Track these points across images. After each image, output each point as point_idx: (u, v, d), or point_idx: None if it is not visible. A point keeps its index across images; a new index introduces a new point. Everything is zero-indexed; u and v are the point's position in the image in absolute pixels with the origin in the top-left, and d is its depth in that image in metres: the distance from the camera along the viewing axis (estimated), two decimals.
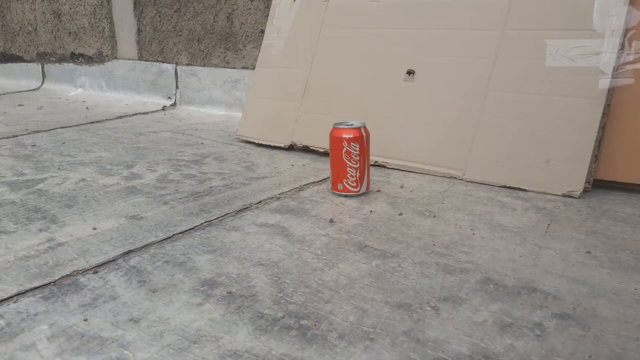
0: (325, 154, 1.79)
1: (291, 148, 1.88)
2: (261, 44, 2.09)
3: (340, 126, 1.35)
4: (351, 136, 1.32)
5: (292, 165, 1.68)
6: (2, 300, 0.85)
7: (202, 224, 1.18)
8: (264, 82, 2.04)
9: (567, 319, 0.79)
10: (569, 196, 1.33)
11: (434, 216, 1.21)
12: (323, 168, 1.63)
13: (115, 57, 3.23)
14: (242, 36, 2.57)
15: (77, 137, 2.10)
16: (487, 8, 1.56)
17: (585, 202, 1.30)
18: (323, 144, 1.79)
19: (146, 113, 2.69)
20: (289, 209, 1.27)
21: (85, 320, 0.79)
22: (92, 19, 3.27)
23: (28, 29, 3.73)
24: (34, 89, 3.63)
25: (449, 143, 1.55)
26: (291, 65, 1.96)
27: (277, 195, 1.37)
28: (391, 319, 0.79)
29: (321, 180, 1.51)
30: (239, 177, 1.54)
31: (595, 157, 1.37)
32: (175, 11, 2.82)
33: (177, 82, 2.90)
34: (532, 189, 1.39)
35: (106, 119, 2.51)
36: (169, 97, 2.94)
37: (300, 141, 1.85)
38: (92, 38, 3.31)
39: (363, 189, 1.36)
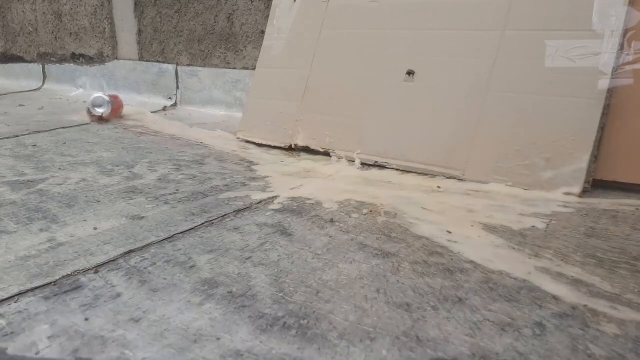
0: (325, 153, 1.79)
1: (291, 148, 1.89)
2: (261, 45, 2.09)
3: None
4: None
5: (292, 165, 1.68)
6: (3, 300, 0.85)
7: (202, 223, 1.18)
8: (264, 82, 2.04)
9: (566, 319, 0.79)
10: (569, 195, 1.33)
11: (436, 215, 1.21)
12: (322, 168, 1.64)
13: (116, 58, 3.23)
14: (242, 36, 2.57)
15: (77, 137, 2.10)
16: (487, 8, 1.56)
17: (584, 201, 1.30)
18: (323, 144, 1.79)
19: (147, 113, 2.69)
20: (289, 209, 1.27)
21: (86, 319, 0.79)
22: (93, 20, 3.27)
23: (29, 29, 3.73)
24: (34, 89, 3.64)
25: (448, 143, 1.55)
26: (291, 65, 1.96)
27: (277, 195, 1.37)
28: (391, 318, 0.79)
29: (321, 180, 1.51)
30: (239, 177, 1.54)
31: (595, 157, 1.37)
32: (175, 12, 2.82)
33: (177, 82, 2.91)
34: (531, 188, 1.39)
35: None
36: (170, 98, 2.95)
37: (301, 141, 1.85)
38: (93, 38, 3.32)
39: None
